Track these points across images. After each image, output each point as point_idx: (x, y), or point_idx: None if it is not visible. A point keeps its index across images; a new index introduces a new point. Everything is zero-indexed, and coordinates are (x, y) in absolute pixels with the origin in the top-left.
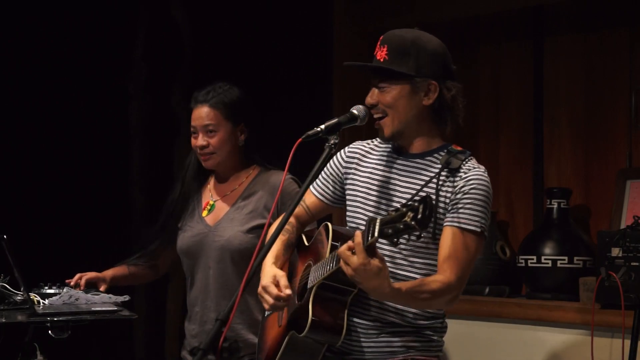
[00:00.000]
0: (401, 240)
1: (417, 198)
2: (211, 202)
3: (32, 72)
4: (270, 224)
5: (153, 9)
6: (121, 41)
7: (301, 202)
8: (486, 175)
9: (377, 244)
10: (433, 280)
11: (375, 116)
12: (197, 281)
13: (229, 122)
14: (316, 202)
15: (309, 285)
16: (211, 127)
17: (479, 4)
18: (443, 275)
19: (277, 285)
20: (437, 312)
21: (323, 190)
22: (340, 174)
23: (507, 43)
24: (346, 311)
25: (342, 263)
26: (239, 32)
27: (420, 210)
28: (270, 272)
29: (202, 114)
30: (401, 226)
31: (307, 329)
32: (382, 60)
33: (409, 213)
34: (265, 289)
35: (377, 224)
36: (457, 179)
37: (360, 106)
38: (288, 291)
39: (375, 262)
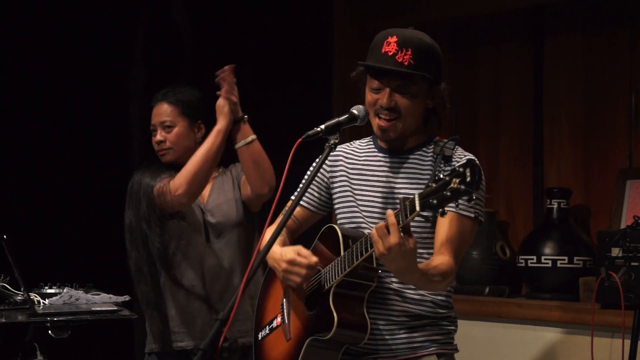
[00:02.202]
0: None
1: (456, 165)
2: None
3: (33, 72)
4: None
5: (153, 9)
6: (121, 41)
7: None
8: (477, 161)
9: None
10: (440, 263)
11: (387, 117)
12: (192, 258)
13: (186, 118)
14: (302, 210)
15: (326, 287)
16: (168, 123)
17: (479, 4)
18: (444, 257)
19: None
20: (449, 302)
21: (309, 198)
22: (325, 180)
23: (506, 43)
24: (365, 307)
25: (377, 241)
26: (239, 33)
27: (468, 173)
28: (287, 248)
29: (159, 110)
30: (448, 194)
31: (334, 328)
32: (407, 64)
33: (454, 179)
34: (293, 261)
35: (417, 199)
36: (452, 167)
37: (360, 106)
38: (315, 258)
39: (411, 241)
